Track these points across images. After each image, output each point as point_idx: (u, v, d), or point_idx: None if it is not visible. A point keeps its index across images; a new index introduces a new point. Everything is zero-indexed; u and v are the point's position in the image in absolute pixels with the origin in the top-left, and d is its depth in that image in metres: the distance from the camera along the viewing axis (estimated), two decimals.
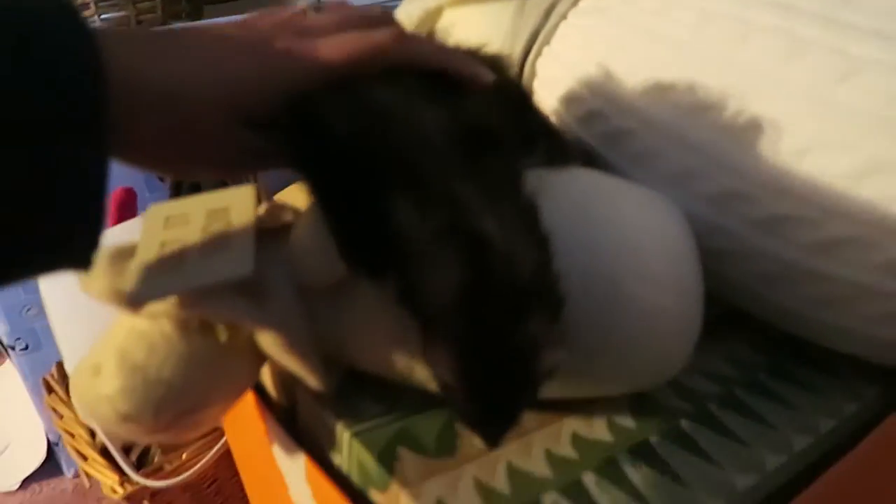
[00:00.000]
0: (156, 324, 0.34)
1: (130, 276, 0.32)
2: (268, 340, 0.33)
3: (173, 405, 0.34)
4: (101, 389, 0.33)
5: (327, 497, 0.37)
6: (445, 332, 0.26)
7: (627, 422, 0.36)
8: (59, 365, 0.99)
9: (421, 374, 0.34)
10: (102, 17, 0.89)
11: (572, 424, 0.36)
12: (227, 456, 0.81)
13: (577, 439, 0.35)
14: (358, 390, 0.37)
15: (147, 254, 0.33)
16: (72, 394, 0.35)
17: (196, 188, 0.72)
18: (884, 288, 0.33)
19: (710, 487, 0.32)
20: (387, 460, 0.33)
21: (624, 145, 0.41)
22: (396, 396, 0.37)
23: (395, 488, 0.32)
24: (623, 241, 0.32)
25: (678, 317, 0.33)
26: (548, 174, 0.34)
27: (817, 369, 0.40)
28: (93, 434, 0.87)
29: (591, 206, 0.33)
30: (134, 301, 0.31)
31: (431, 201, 0.26)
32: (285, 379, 0.39)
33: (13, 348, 1.05)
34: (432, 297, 0.26)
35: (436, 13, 0.54)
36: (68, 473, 1.14)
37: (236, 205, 0.36)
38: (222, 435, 0.80)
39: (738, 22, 0.36)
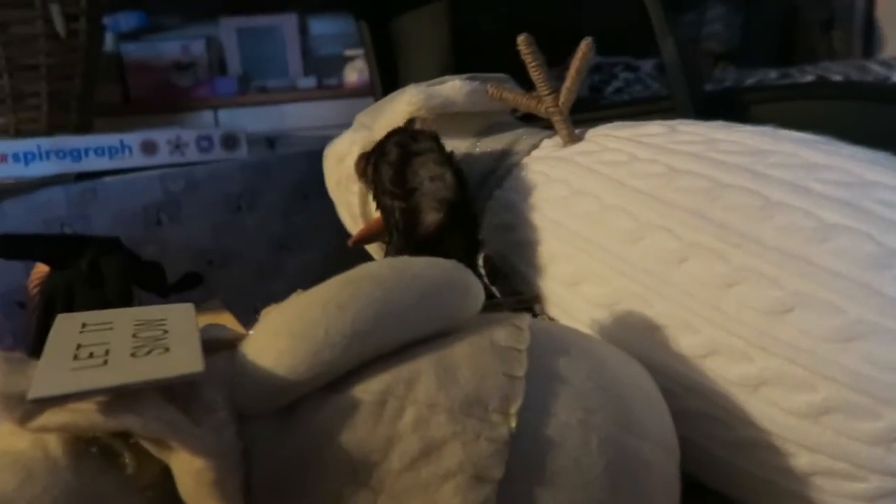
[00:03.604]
0: (40, 445, 0.26)
1: (34, 376, 0.25)
2: (194, 472, 0.26)
3: None
4: None
5: None
6: None
7: None
8: None
9: None
10: None
11: None
12: None
13: None
14: None
15: (57, 355, 0.27)
16: None
17: (69, 307, 0.54)
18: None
19: None
20: None
21: None
22: None
23: None
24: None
25: (667, 474, 0.31)
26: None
27: None
28: None
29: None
30: (35, 398, 0.23)
31: None
32: None
33: None
34: None
35: None
36: None
37: (173, 317, 0.31)
38: None
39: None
